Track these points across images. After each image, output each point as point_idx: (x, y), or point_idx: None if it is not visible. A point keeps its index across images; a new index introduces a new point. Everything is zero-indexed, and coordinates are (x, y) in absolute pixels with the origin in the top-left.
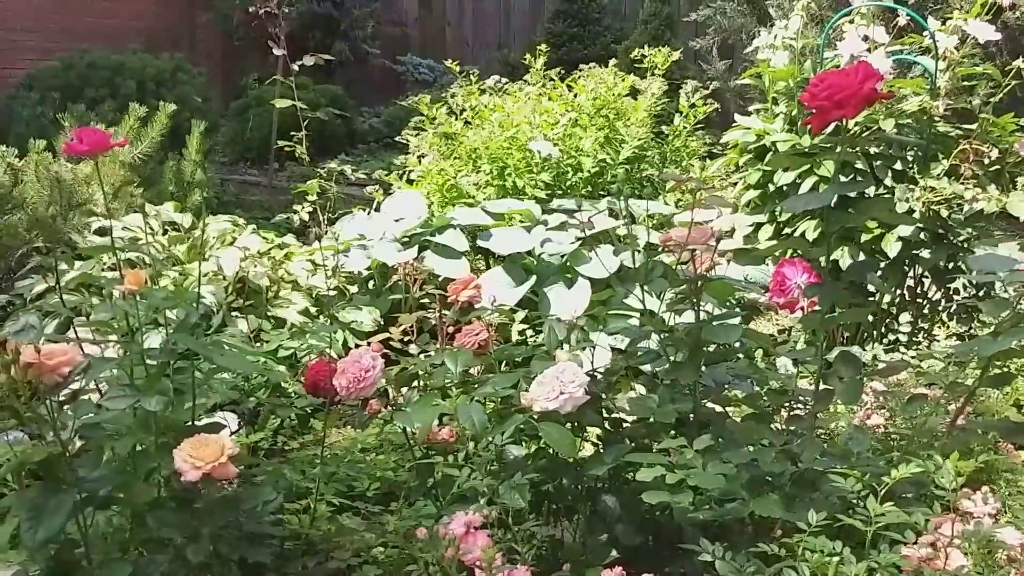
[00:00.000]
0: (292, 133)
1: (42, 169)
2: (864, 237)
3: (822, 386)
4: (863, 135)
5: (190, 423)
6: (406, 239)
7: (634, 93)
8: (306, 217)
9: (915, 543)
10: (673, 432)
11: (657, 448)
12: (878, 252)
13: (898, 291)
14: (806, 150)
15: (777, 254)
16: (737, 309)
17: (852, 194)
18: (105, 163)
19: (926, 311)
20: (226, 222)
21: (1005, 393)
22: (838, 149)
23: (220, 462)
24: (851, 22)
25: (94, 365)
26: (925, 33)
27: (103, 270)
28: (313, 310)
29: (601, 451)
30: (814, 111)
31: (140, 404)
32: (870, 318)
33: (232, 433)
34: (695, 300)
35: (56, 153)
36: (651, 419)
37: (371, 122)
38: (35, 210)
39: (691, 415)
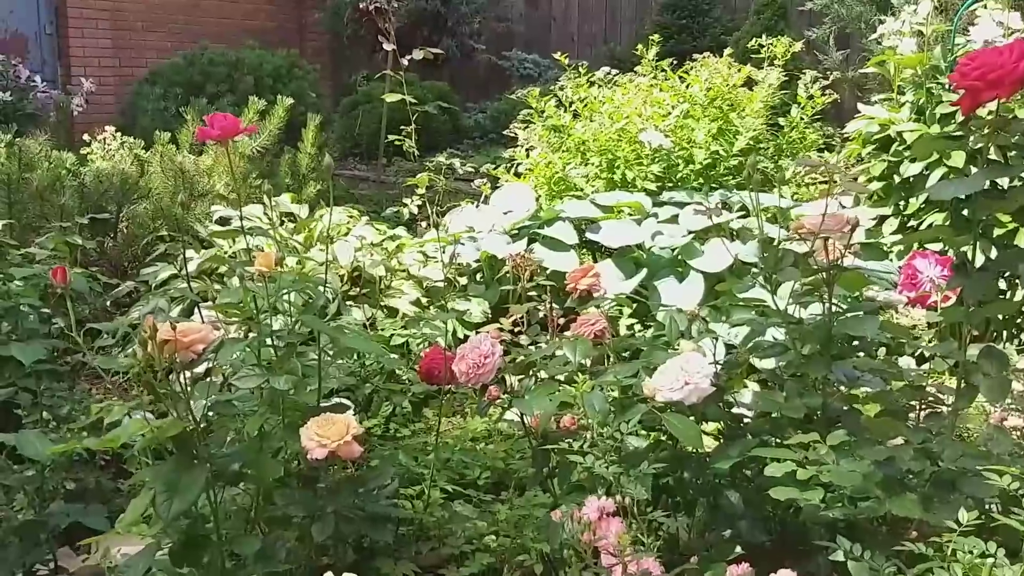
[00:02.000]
0: (401, 128)
1: (167, 160)
2: (996, 232)
3: (964, 383)
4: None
5: (316, 404)
6: (515, 231)
7: (749, 84)
8: (415, 210)
9: None
10: (800, 429)
11: (786, 443)
12: (1010, 247)
13: None
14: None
15: (903, 248)
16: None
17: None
18: (224, 155)
19: None
20: (341, 213)
21: None
22: (981, 134)
23: (345, 440)
24: (984, 7)
25: (226, 344)
26: None
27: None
28: (424, 300)
29: (725, 445)
30: (963, 91)
31: (269, 383)
32: (1001, 316)
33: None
34: (826, 292)
35: (179, 145)
36: (776, 414)
37: (476, 117)
38: (160, 200)
39: (818, 412)
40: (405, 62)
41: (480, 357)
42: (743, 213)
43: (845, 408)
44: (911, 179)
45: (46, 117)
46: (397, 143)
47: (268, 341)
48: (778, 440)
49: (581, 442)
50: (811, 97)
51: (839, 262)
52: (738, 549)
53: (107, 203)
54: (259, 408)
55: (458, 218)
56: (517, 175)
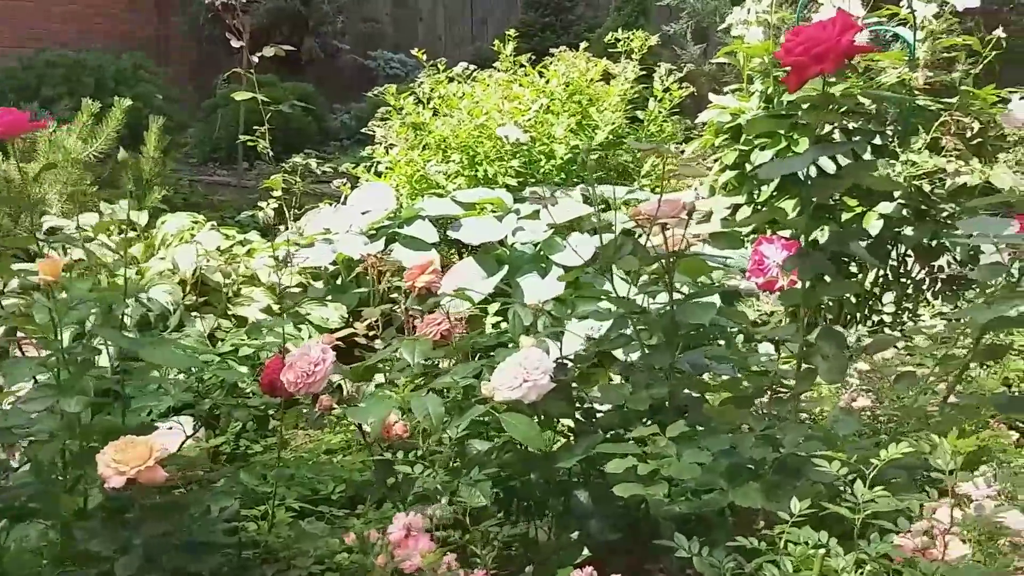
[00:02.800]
0: (254, 128)
1: None
2: (844, 217)
3: (804, 365)
4: (840, 111)
5: (144, 425)
6: (373, 232)
7: (608, 78)
8: (271, 213)
9: (908, 531)
10: (647, 420)
11: (630, 438)
12: (859, 231)
13: (881, 271)
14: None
15: (752, 234)
16: (715, 290)
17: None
18: (57, 162)
19: (910, 291)
20: (186, 219)
21: (992, 372)
22: (807, 111)
23: (147, 466)
24: None
25: (9, 368)
26: (903, 3)
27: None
28: (276, 308)
29: (573, 443)
30: (790, 68)
31: (60, 406)
32: (853, 299)
33: (188, 437)
34: (668, 279)
35: (8, 154)
36: (624, 407)
37: (342, 119)
38: None
39: (666, 402)
40: (255, 59)
41: (309, 365)
42: (605, 207)
43: (695, 397)
44: (762, 166)
45: None
46: (259, 146)
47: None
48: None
49: (422, 450)
50: (667, 90)
51: (684, 249)
52: (587, 551)
53: None
54: (58, 433)
55: (315, 220)
56: (378, 174)
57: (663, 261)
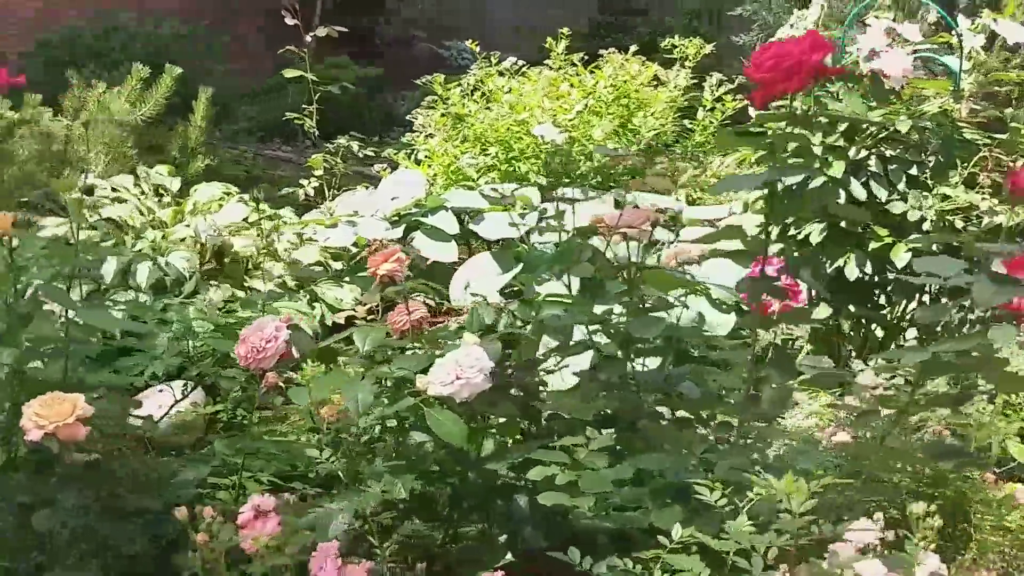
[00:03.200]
0: (303, 108)
1: (34, 124)
2: (873, 245)
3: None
4: (879, 137)
5: (82, 383)
6: (396, 218)
7: (661, 84)
8: (311, 192)
9: None
10: (602, 431)
11: (556, 446)
12: (887, 262)
13: (908, 305)
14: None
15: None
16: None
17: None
18: (99, 123)
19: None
20: (218, 189)
21: (1008, 418)
22: (776, 131)
23: (66, 422)
24: (876, 17)
25: None
26: (955, 31)
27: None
28: (292, 283)
29: (517, 445)
30: (758, 84)
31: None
32: (880, 331)
33: (177, 401)
34: (629, 291)
35: (61, 113)
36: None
37: (410, 106)
38: (24, 165)
39: (615, 414)
40: (309, 39)
41: (260, 341)
42: None
43: (652, 412)
44: (794, 187)
45: None
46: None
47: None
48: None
49: (349, 435)
50: (719, 100)
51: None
52: (510, 556)
53: None
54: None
55: (347, 201)
56: (417, 162)
57: (625, 273)
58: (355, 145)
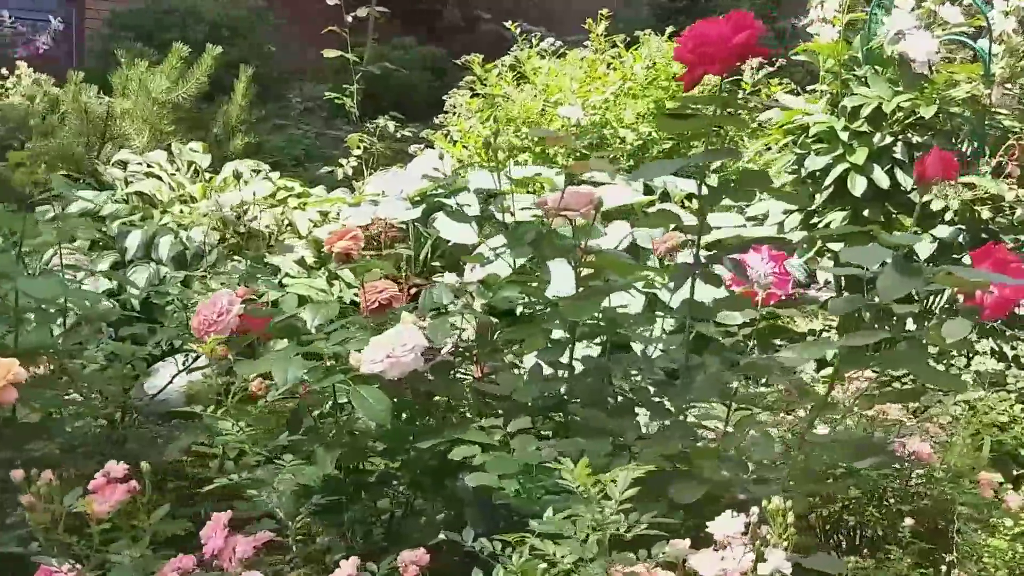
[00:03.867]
0: (344, 87)
1: (75, 99)
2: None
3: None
4: (906, 123)
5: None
6: (418, 199)
7: None
8: (350, 171)
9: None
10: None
11: (478, 426)
12: (908, 253)
13: (940, 300)
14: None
15: (807, 245)
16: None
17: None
18: (139, 101)
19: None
20: (246, 167)
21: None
22: (707, 114)
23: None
24: None
25: None
26: (991, 13)
27: (117, 202)
28: (311, 261)
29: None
30: (686, 67)
31: None
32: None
33: (179, 372)
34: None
35: (110, 90)
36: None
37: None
38: (64, 139)
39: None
40: (349, 19)
41: (213, 313)
42: (665, 197)
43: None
44: (817, 173)
45: (11, 54)
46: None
47: None
48: None
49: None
50: (757, 85)
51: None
52: (443, 535)
53: (10, 139)
54: None
55: (377, 182)
56: (453, 143)
57: (573, 256)
58: (391, 125)
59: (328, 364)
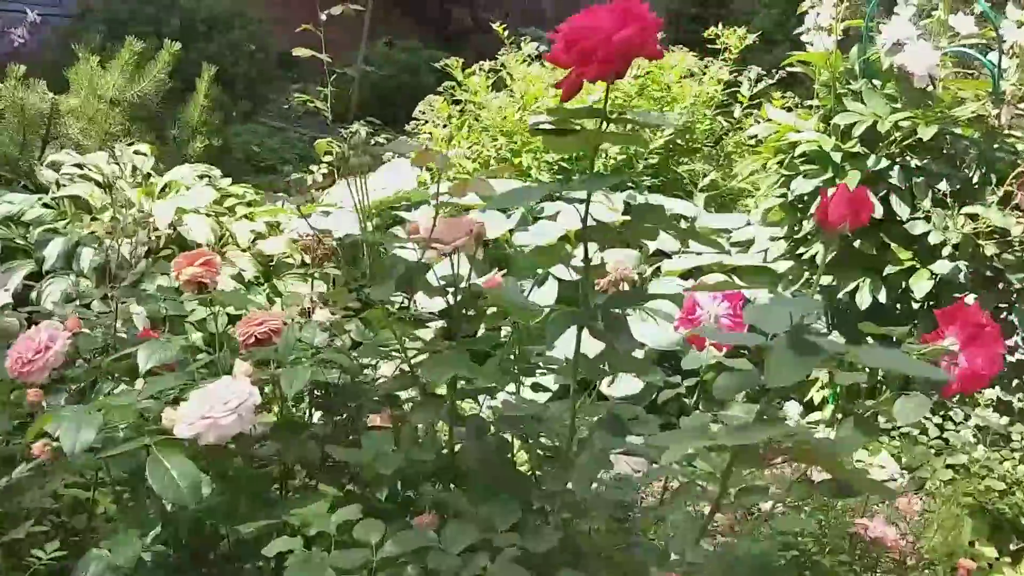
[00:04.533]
0: (318, 89)
1: (12, 96)
2: (890, 269)
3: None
4: (904, 143)
5: None
6: (374, 212)
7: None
8: (320, 178)
9: None
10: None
11: (295, 512)
12: (905, 290)
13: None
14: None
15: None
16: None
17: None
18: (86, 99)
19: None
20: (190, 171)
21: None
22: (586, 131)
23: None
24: (906, 2)
25: None
26: (1003, 25)
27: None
28: (250, 276)
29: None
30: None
31: None
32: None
33: None
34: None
35: (69, 84)
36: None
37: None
38: None
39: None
40: (324, 17)
41: (28, 351)
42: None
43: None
44: (805, 196)
45: None
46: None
47: None
48: None
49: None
50: (755, 98)
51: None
52: None
53: None
54: None
55: (339, 191)
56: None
57: (454, 294)
58: (363, 131)
59: (137, 422)
